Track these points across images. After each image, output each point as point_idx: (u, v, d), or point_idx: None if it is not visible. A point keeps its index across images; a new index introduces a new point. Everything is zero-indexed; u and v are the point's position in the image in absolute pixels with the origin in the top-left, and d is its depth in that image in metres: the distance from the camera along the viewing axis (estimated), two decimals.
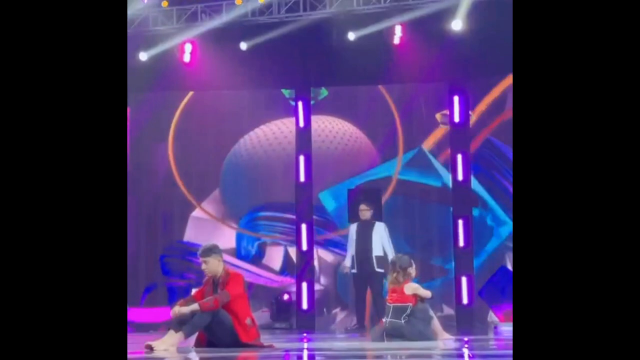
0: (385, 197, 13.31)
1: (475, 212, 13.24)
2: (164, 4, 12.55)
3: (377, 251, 11.78)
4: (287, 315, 13.02)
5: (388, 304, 8.76)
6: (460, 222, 13.04)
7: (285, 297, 13.17)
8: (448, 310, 13.14)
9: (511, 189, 12.74)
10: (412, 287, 8.70)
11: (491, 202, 13.30)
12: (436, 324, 8.86)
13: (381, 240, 11.84)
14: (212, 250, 7.85)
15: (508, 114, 13.06)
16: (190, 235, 13.98)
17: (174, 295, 13.73)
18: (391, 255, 11.54)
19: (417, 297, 8.71)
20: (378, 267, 11.70)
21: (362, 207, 12.10)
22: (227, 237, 13.89)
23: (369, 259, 11.73)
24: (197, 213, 14.01)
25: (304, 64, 13.28)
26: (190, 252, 13.68)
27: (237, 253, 13.92)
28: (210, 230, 13.90)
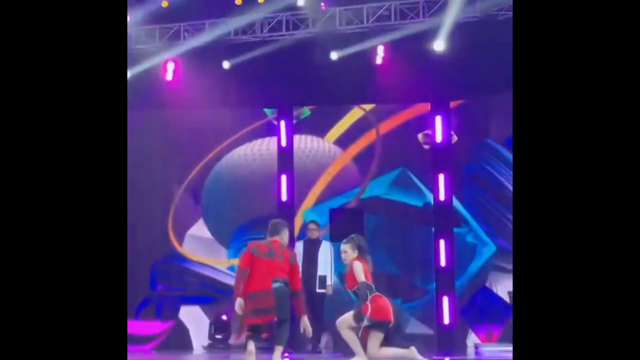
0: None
1: (458, 231, 13.25)
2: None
3: (320, 271, 11.74)
4: (226, 334, 12.94)
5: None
6: (442, 242, 13.04)
7: (224, 317, 13.07)
8: (428, 331, 13.11)
9: (507, 190, 12.83)
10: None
11: (474, 222, 13.32)
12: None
13: (325, 260, 11.79)
14: None
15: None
16: (186, 250, 13.99)
17: (160, 308, 13.68)
18: (330, 275, 11.57)
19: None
20: (319, 288, 11.64)
21: (311, 225, 12.08)
22: (221, 253, 13.86)
23: (311, 278, 11.65)
24: (192, 231, 13.96)
25: (287, 83, 13.28)
26: (185, 260, 13.70)
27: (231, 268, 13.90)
28: (207, 247, 13.88)
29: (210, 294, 13.78)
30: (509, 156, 12.90)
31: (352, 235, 8.68)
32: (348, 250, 8.50)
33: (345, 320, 8.32)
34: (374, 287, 8.33)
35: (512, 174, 12.83)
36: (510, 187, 12.78)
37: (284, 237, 8.35)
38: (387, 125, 13.86)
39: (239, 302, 7.89)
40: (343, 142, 13.91)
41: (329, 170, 13.84)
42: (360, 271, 8.31)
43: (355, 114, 13.95)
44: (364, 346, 8.26)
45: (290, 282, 8.07)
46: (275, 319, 7.90)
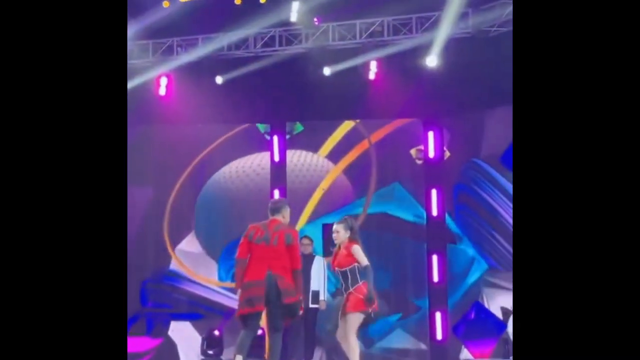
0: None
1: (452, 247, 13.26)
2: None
3: (314, 286, 11.66)
4: (218, 350, 12.87)
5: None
6: (435, 257, 13.03)
7: (216, 333, 13.01)
8: (421, 346, 13.09)
9: (496, 211, 12.85)
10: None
11: (466, 238, 13.32)
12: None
13: (318, 275, 11.72)
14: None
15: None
16: (175, 265, 13.97)
17: (150, 324, 13.64)
18: (323, 290, 11.48)
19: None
20: (312, 303, 11.56)
21: (304, 241, 12.01)
22: (210, 268, 13.83)
23: (305, 293, 11.56)
24: (182, 246, 13.94)
25: (280, 98, 13.30)
26: (176, 279, 13.65)
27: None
28: (195, 262, 13.85)
29: (200, 312, 13.74)
30: (498, 176, 12.94)
31: (345, 216, 8.67)
32: (340, 230, 8.46)
33: (352, 324, 8.17)
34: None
35: (499, 194, 12.87)
36: (498, 208, 12.83)
37: (285, 215, 8.04)
38: (378, 135, 13.88)
39: (239, 294, 7.80)
40: (335, 155, 13.92)
41: (322, 185, 13.84)
42: (363, 254, 8.29)
43: (346, 127, 13.97)
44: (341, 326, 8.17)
45: (289, 264, 7.82)
46: (265, 308, 7.74)
